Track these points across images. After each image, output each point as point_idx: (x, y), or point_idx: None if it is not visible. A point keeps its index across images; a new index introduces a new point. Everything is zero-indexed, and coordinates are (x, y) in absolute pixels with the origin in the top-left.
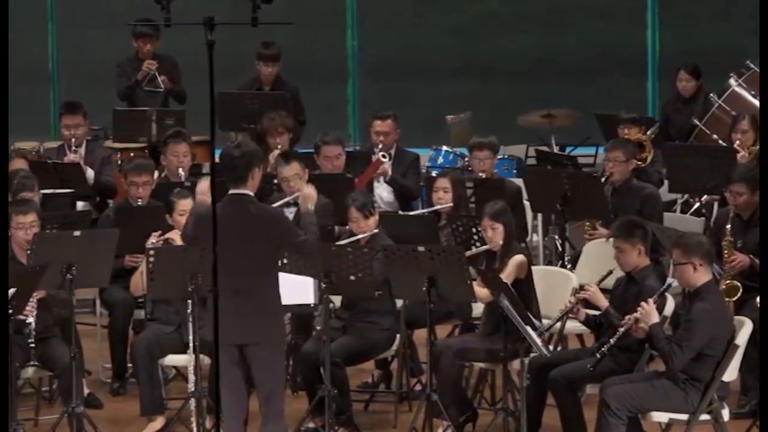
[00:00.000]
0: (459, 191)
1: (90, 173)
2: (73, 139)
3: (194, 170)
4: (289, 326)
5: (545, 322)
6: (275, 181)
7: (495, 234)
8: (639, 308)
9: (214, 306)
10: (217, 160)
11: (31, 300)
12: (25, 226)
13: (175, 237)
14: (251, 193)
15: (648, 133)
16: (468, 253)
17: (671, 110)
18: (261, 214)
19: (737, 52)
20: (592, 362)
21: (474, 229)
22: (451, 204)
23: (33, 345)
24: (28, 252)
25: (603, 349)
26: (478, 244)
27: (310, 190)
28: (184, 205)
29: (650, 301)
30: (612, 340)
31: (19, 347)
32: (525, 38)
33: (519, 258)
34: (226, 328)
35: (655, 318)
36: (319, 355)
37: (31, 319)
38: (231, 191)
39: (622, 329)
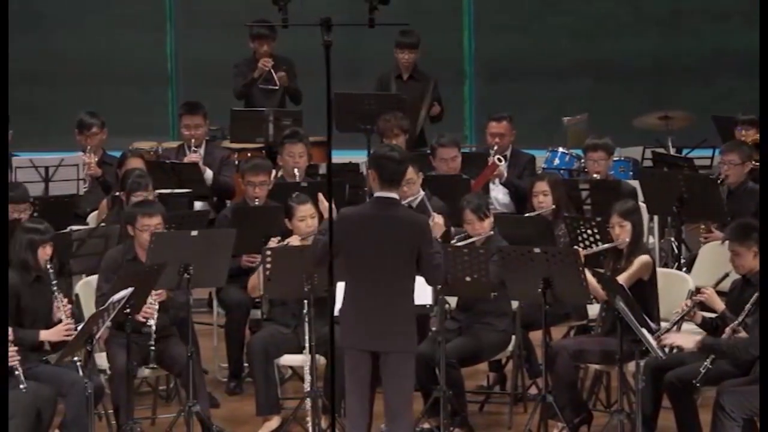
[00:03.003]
0: (559, 192)
1: (208, 173)
2: (192, 140)
3: (310, 171)
4: None
5: (662, 324)
6: None
7: (623, 232)
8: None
9: (330, 306)
10: (346, 160)
11: (152, 303)
12: (149, 229)
13: (295, 242)
14: (398, 197)
15: None
16: (591, 251)
17: None
18: (408, 218)
19: None
20: (699, 378)
21: (586, 230)
22: (553, 206)
23: (153, 348)
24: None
25: (707, 362)
26: (588, 243)
27: (438, 220)
28: (303, 210)
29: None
30: None
31: (137, 346)
32: (642, 39)
33: (645, 258)
34: (361, 332)
35: None
36: (434, 356)
37: (152, 322)
38: (378, 194)
39: (724, 335)
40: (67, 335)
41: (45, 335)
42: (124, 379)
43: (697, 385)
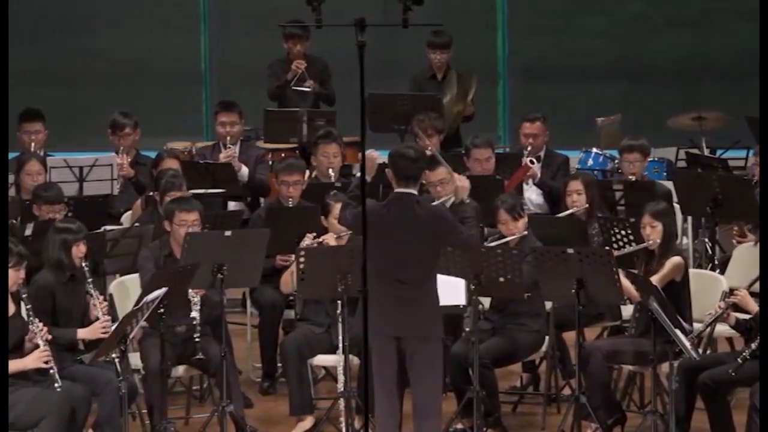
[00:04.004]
0: (592, 192)
1: (244, 171)
2: (228, 137)
3: (344, 171)
4: None
5: (695, 325)
6: (423, 181)
7: (654, 232)
8: None
9: (364, 306)
10: (373, 160)
11: (194, 295)
12: (187, 224)
13: (330, 240)
14: (416, 193)
15: None
16: (621, 252)
17: None
18: (427, 213)
19: None
20: (735, 367)
21: (619, 230)
22: (586, 206)
23: (198, 339)
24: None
25: (744, 353)
26: (622, 244)
27: (464, 182)
28: (340, 209)
29: None
30: (753, 345)
31: (171, 345)
32: (676, 40)
33: (677, 259)
34: (386, 321)
35: None
36: (467, 357)
37: (195, 314)
38: (398, 190)
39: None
40: (104, 332)
41: (82, 333)
42: (158, 379)
43: (732, 374)
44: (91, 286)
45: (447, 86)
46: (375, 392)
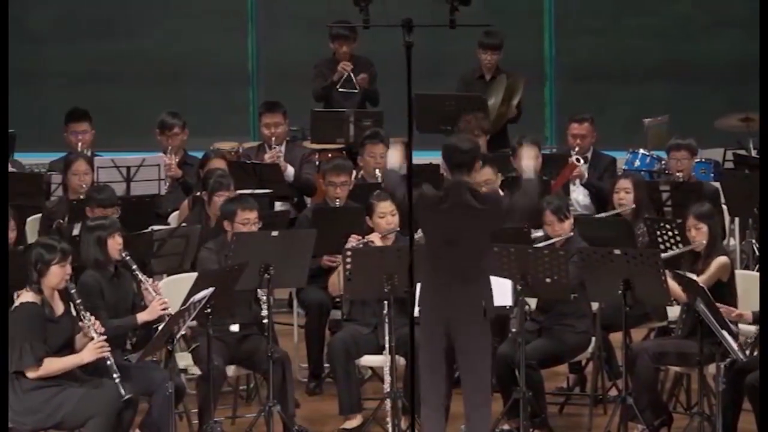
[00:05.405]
0: (641, 192)
1: (290, 170)
2: (273, 138)
3: None
4: None
5: (742, 327)
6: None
7: (699, 234)
8: None
9: (410, 307)
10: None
11: (263, 294)
12: (249, 222)
13: (375, 240)
14: (470, 181)
15: None
16: (668, 255)
17: None
18: (482, 200)
19: None
20: None
21: (666, 231)
22: (633, 205)
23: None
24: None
25: None
26: (669, 245)
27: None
28: (383, 207)
29: None
30: None
31: (223, 344)
32: (724, 40)
33: (723, 260)
34: (437, 305)
35: None
36: (514, 358)
37: (264, 312)
38: (451, 179)
39: None
40: (164, 310)
41: (142, 316)
42: (209, 379)
43: None
44: (138, 272)
45: (494, 88)
46: (422, 382)
